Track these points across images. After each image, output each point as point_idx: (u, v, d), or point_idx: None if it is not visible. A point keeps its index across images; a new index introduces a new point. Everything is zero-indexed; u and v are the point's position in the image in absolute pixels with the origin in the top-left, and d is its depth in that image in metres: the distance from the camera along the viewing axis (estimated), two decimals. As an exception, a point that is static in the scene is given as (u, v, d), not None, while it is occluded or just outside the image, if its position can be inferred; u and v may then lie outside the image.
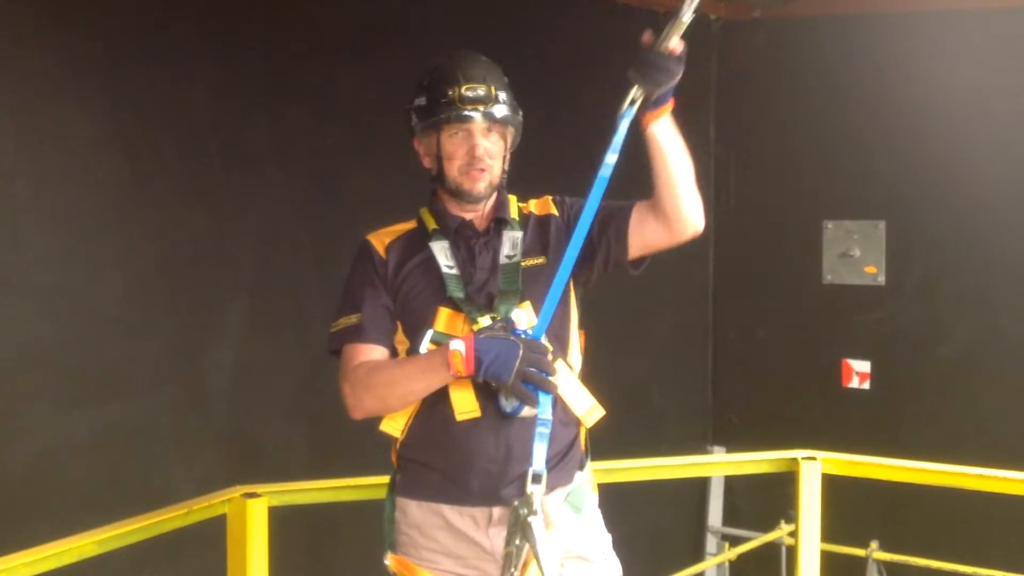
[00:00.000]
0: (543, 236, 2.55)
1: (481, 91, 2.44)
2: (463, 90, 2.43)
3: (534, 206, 2.62)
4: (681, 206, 2.46)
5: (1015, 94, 5.25)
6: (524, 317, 2.42)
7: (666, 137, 2.40)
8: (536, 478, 2.26)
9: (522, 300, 2.44)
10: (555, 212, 2.59)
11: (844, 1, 5.57)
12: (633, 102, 2.35)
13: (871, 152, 5.62)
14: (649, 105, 2.35)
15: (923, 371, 5.57)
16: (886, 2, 5.52)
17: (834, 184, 5.76)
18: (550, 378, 2.32)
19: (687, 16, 2.22)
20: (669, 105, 2.38)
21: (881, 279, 5.67)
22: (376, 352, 2.49)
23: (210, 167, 3.98)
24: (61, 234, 3.57)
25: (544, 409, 2.33)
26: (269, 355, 4.18)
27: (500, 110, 2.46)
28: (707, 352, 6.13)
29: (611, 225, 2.51)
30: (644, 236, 2.51)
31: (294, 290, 4.28)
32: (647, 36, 2.29)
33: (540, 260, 2.52)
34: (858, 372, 5.71)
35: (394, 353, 2.52)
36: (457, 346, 2.29)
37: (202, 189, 3.95)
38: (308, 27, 4.23)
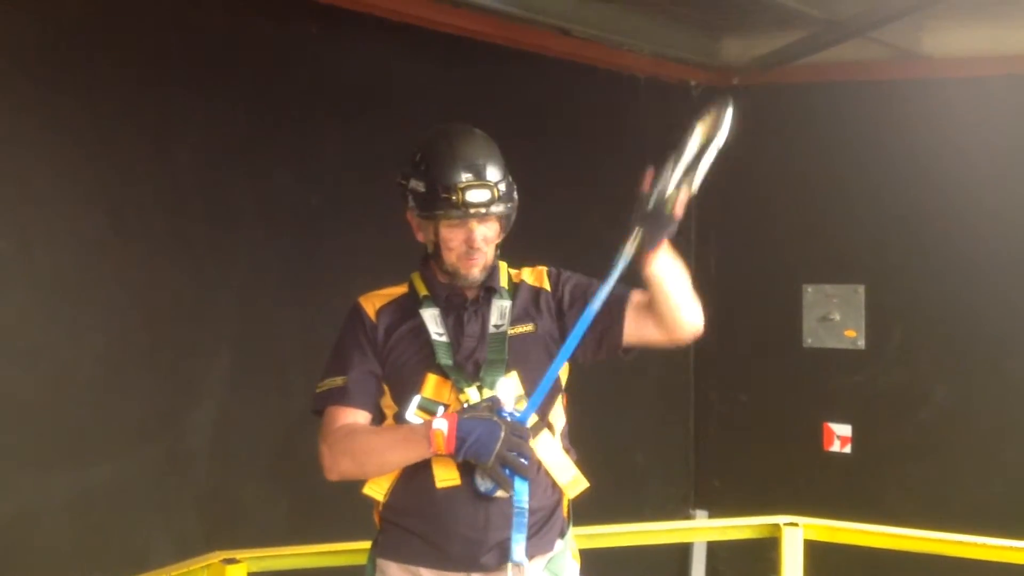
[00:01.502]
0: (533, 307, 2.57)
1: (485, 195, 2.41)
2: (465, 196, 2.40)
3: (528, 275, 2.64)
4: (680, 319, 2.49)
5: (994, 160, 5.33)
6: (511, 386, 2.45)
7: (664, 269, 2.43)
8: (516, 568, 2.31)
9: (508, 369, 2.47)
10: (547, 287, 2.61)
11: (822, 69, 5.66)
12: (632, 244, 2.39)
13: (850, 217, 5.67)
14: (647, 247, 2.38)
15: (904, 435, 5.58)
16: (865, 70, 5.61)
17: (813, 248, 5.81)
18: (526, 463, 2.33)
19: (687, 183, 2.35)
20: (665, 242, 2.40)
21: (861, 343, 5.70)
22: (359, 416, 2.50)
23: (193, 227, 3.98)
24: (42, 294, 3.56)
25: (520, 497, 2.35)
26: (250, 416, 4.16)
27: (500, 206, 2.45)
28: (689, 415, 6.13)
29: (608, 316, 2.51)
30: (641, 332, 2.54)
31: (276, 351, 4.26)
32: (646, 181, 2.35)
33: (528, 328, 2.54)
34: (839, 436, 5.72)
35: (381, 417, 2.53)
36: (440, 425, 2.31)
37: (185, 249, 3.95)
38: (293, 90, 4.27)
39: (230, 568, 2.92)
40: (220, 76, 4.04)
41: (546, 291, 2.60)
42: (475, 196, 2.41)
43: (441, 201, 2.41)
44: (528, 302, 2.58)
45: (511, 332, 2.51)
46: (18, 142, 3.46)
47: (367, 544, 2.62)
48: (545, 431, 2.50)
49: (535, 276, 2.64)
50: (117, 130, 3.73)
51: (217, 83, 4.03)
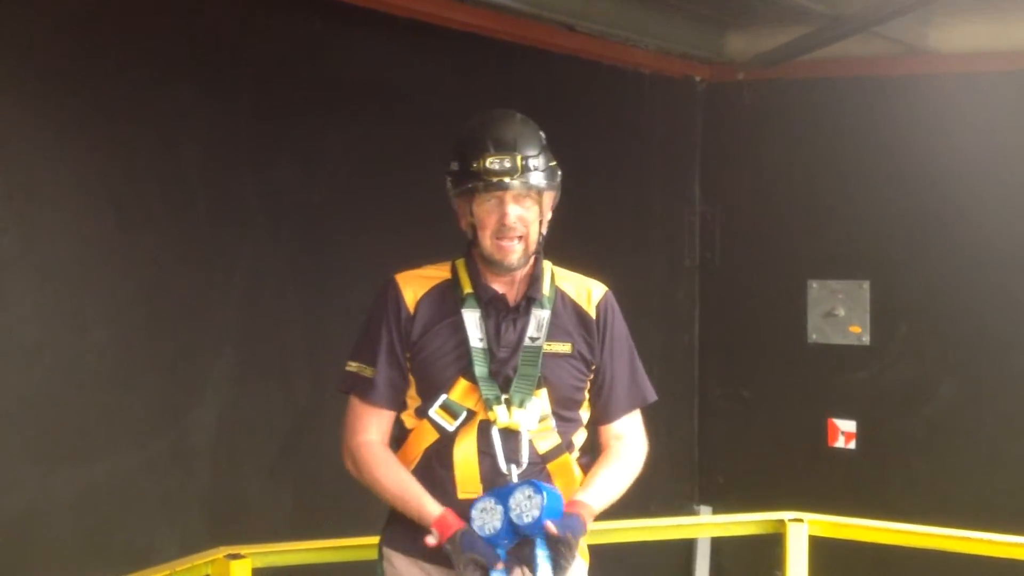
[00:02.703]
0: (574, 327, 2.55)
1: (508, 163, 2.39)
2: (488, 162, 2.39)
3: (573, 288, 2.60)
4: None
5: (1000, 155, 5.32)
6: (537, 406, 2.44)
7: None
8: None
9: (539, 386, 2.46)
10: (593, 316, 2.57)
11: (827, 65, 5.65)
12: None
13: (855, 212, 5.67)
14: None
15: (909, 431, 5.57)
16: (870, 66, 5.60)
17: (818, 244, 5.80)
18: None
19: None
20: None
21: (866, 339, 5.69)
22: (383, 417, 2.51)
23: (197, 223, 3.98)
24: (46, 290, 3.56)
25: None
26: (254, 412, 4.16)
27: (532, 177, 2.41)
28: (693, 411, 6.12)
29: (600, 406, 2.61)
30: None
31: (280, 347, 4.26)
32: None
33: (566, 348, 2.52)
34: (844, 431, 5.71)
35: (402, 407, 2.54)
36: (431, 539, 2.36)
37: (189, 246, 3.95)
38: (297, 85, 4.26)
39: (235, 563, 2.92)
40: (225, 71, 4.03)
41: (589, 316, 2.57)
42: (498, 164, 2.38)
43: (469, 175, 2.41)
44: (568, 319, 2.55)
45: (547, 348, 2.48)
46: (22, 137, 3.46)
47: (371, 540, 2.62)
48: (565, 453, 2.51)
49: (583, 295, 2.59)
50: (122, 126, 3.72)
51: (222, 78, 4.02)
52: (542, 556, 2.31)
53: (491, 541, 2.32)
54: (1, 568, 3.36)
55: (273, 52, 4.19)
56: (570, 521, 2.35)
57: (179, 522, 3.91)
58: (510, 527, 2.32)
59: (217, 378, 4.05)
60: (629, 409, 2.63)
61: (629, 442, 2.62)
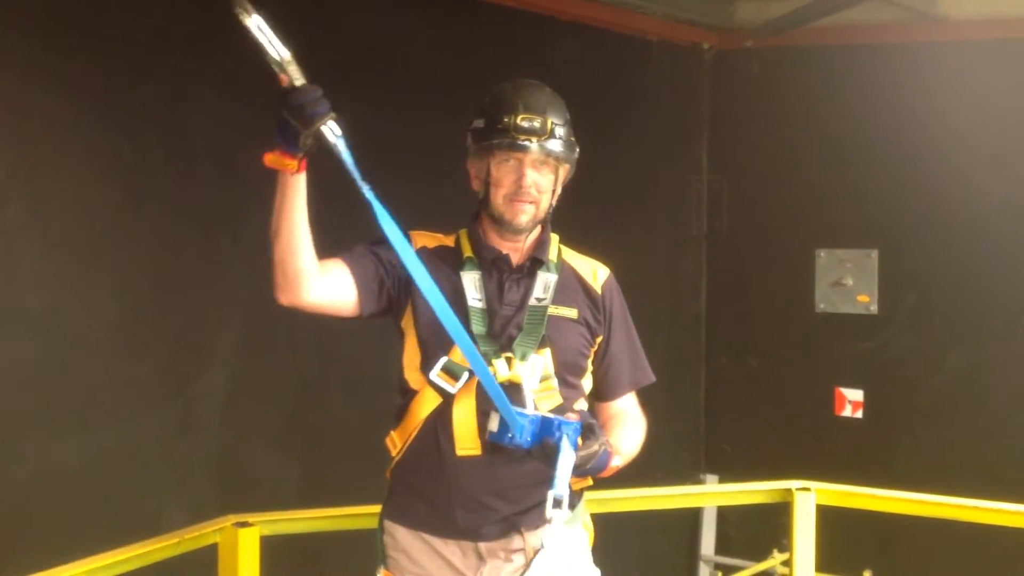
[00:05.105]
0: (580, 297, 2.56)
1: (537, 123, 2.43)
2: (519, 119, 2.42)
3: (579, 263, 2.62)
4: None
5: (1010, 124, 5.28)
6: (539, 364, 2.43)
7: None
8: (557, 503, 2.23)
9: (542, 346, 2.45)
10: (599, 292, 2.58)
11: (835, 32, 5.61)
12: None
13: (863, 181, 5.64)
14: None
15: (916, 400, 5.57)
16: (880, 33, 5.56)
17: (826, 213, 5.78)
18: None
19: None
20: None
21: (874, 308, 5.68)
22: (333, 263, 2.54)
23: (205, 193, 3.97)
24: (53, 259, 3.56)
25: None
26: (262, 381, 4.17)
27: (555, 145, 2.45)
28: (700, 380, 6.12)
29: (602, 383, 2.62)
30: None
31: (286, 316, 4.25)
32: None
33: (572, 313, 2.53)
34: (851, 401, 5.71)
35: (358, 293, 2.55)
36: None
37: (196, 215, 3.94)
38: (304, 51, 4.24)
39: (242, 531, 2.93)
40: (231, 38, 4.00)
41: (595, 292, 2.58)
42: (528, 123, 2.42)
43: (495, 131, 2.43)
44: (572, 287, 2.56)
45: (553, 311, 2.49)
46: (29, 106, 3.45)
47: (377, 508, 2.63)
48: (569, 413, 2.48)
49: (587, 271, 2.61)
50: (127, 94, 3.71)
51: (228, 45, 3.99)
52: (567, 444, 2.25)
53: (514, 421, 2.26)
54: (9, 535, 3.38)
55: (279, 17, 4.16)
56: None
57: (187, 490, 3.93)
58: (540, 425, 2.28)
59: (224, 347, 4.05)
60: (630, 387, 2.67)
61: (631, 416, 2.65)
